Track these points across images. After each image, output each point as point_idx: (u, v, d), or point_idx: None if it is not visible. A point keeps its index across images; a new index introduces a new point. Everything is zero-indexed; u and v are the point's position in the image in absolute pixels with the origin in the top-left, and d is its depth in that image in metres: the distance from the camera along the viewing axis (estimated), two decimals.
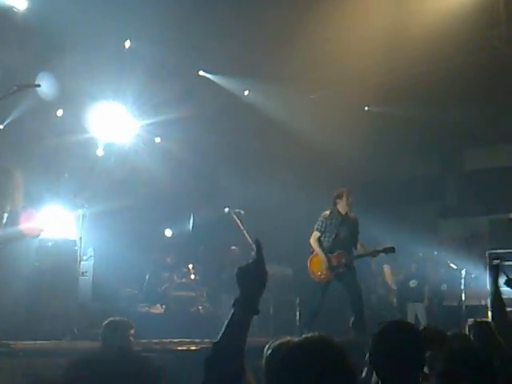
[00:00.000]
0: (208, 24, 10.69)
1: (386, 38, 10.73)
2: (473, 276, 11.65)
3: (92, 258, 9.73)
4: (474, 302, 11.17)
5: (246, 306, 2.25)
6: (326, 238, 8.43)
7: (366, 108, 13.87)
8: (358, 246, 8.59)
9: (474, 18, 10.08)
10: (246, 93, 12.99)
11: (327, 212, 8.55)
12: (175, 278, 11.14)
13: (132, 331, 5.31)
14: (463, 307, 11.23)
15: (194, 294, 10.96)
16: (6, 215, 7.37)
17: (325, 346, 2.28)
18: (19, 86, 5.76)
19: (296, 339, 2.42)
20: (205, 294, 11.15)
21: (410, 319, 11.71)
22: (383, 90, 12.43)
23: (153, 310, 10.44)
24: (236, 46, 11.29)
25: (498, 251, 12.06)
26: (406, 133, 13.86)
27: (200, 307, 10.78)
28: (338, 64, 11.75)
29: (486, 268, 12.17)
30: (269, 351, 3.12)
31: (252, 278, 2.28)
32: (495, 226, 14.17)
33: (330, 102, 13.00)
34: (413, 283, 11.90)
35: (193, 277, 11.19)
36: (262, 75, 12.34)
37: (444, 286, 12.23)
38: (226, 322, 2.25)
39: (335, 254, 8.39)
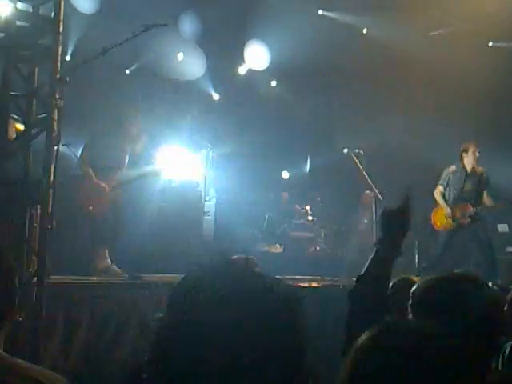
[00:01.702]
0: None
1: None
2: None
3: (214, 198, 10.03)
4: None
5: (390, 247, 2.29)
6: (450, 192, 8.45)
7: (490, 44, 13.10)
8: (485, 199, 8.42)
9: None
10: (365, 30, 12.62)
11: (452, 167, 8.54)
12: (293, 218, 11.28)
13: (257, 269, 5.45)
14: None
15: (311, 234, 11.08)
16: (127, 156, 7.77)
17: (469, 280, 2.26)
18: (146, 25, 5.88)
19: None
20: (322, 235, 11.23)
21: None
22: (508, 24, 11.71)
23: (272, 250, 10.65)
24: None
25: None
26: None
27: (318, 247, 10.89)
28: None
29: None
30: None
31: (396, 222, 2.31)
32: None
33: (452, 39, 12.42)
34: None
35: (310, 218, 11.29)
36: (382, 11, 11.94)
37: None
38: (369, 259, 2.31)
39: (459, 205, 8.34)
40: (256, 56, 12.30)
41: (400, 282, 3.71)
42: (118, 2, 9.92)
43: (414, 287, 2.40)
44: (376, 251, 2.35)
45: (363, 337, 1.35)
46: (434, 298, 2.20)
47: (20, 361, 2.06)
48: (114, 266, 7.27)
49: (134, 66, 11.28)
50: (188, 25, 11.17)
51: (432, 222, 8.66)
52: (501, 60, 12.60)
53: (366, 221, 10.56)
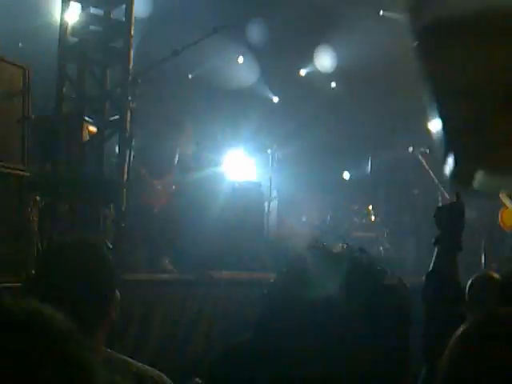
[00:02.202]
0: None
1: None
2: None
3: (276, 198, 10.09)
4: None
5: (449, 243, 2.31)
6: None
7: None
8: None
9: None
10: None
11: None
12: (355, 219, 11.24)
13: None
14: None
15: (374, 234, 11.01)
16: (177, 156, 7.93)
17: None
18: (215, 28, 5.99)
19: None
20: (385, 235, 11.14)
21: None
22: None
23: (334, 250, 10.59)
24: None
25: None
26: None
27: (381, 247, 10.81)
28: None
29: None
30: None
31: (451, 218, 2.33)
32: None
33: None
34: None
35: (373, 218, 11.22)
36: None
37: None
38: (433, 258, 2.33)
39: None
40: (323, 59, 12.42)
41: (478, 279, 3.67)
42: (180, 6, 10.08)
43: (502, 280, 2.39)
44: (437, 250, 2.36)
45: (465, 326, 1.35)
46: None
47: (122, 356, 2.15)
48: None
49: (196, 71, 11.45)
50: (255, 31, 11.28)
51: (500, 221, 8.40)
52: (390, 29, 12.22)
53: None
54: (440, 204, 2.55)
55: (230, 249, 8.55)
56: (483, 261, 10.32)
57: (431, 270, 2.34)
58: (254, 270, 7.61)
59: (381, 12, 12.15)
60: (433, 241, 2.39)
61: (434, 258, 2.36)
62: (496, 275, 3.38)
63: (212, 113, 9.99)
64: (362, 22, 11.06)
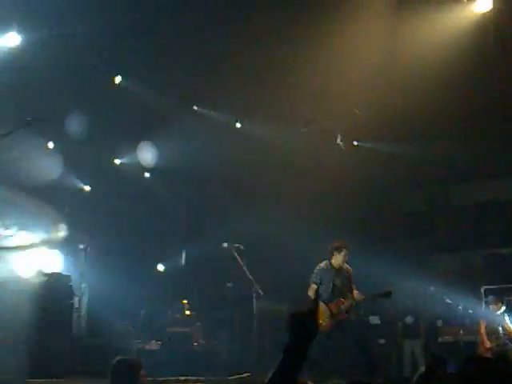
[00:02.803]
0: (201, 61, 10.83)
1: (375, 74, 10.86)
2: (470, 311, 11.61)
3: (87, 293, 9.58)
4: (471, 338, 11.09)
5: (297, 352, 2.24)
6: (324, 288, 8.43)
7: (356, 143, 13.94)
8: (355, 294, 8.59)
9: (466, 52, 10.20)
10: (238, 125, 13.00)
11: (322, 264, 8.59)
12: (170, 313, 10.97)
13: (142, 371, 5.17)
14: (461, 343, 11.16)
15: (189, 329, 10.80)
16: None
17: None
18: (29, 120, 5.69)
19: None
20: (200, 330, 10.98)
21: (407, 356, 11.66)
22: (372, 126, 12.56)
23: (148, 347, 10.24)
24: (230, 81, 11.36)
25: (493, 287, 12.13)
26: (395, 169, 13.95)
27: (195, 343, 10.60)
28: (328, 99, 11.85)
29: (481, 303, 12.19)
30: None
31: (305, 327, 2.27)
32: (489, 260, 14.23)
33: (321, 137, 13.10)
34: (409, 320, 11.82)
35: (188, 312, 11.03)
36: (255, 108, 12.38)
37: (439, 322, 12.16)
38: (275, 367, 2.24)
39: (334, 302, 8.39)
40: (144, 152, 12.52)
41: None
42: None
43: None
44: (283, 359, 2.27)
45: None
46: None
47: None
48: None
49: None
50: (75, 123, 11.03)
51: None
52: (365, 158, 13.44)
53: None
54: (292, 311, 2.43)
55: (36, 349, 7.86)
56: None
57: (269, 381, 2.23)
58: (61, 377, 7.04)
59: (194, 107, 12.52)
60: (281, 348, 2.28)
61: (276, 368, 2.25)
62: None
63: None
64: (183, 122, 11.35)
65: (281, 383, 2.22)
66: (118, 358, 5.22)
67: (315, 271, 8.53)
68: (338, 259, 8.51)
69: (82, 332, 9.33)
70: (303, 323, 2.29)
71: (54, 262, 9.59)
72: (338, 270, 8.52)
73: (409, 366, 11.36)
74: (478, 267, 14.88)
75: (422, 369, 3.41)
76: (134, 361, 5.14)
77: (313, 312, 2.32)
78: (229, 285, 11.21)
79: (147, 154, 12.51)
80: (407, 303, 12.20)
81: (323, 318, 8.32)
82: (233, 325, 10.26)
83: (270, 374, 2.25)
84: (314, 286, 8.39)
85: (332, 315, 8.31)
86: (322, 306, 8.29)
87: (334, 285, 8.46)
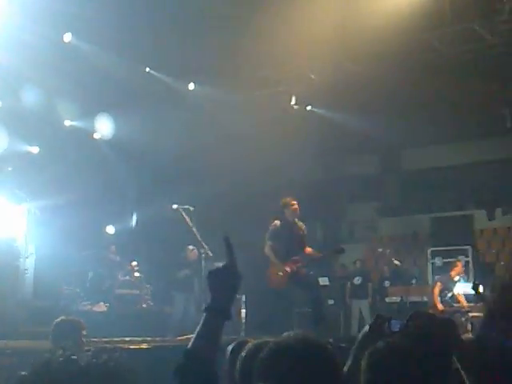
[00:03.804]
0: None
1: (332, 37, 10.83)
2: (416, 272, 11.90)
3: (34, 255, 9.43)
4: (417, 299, 11.38)
5: (219, 312, 2.18)
6: (279, 246, 8.46)
7: (309, 107, 13.91)
8: (308, 250, 8.64)
9: (419, 18, 10.23)
10: (191, 86, 12.81)
11: (277, 221, 8.59)
12: (119, 275, 10.91)
13: (84, 332, 5.12)
14: (407, 303, 11.43)
15: (138, 291, 10.76)
16: None
17: (312, 344, 2.22)
18: None
19: (275, 339, 2.34)
20: (149, 292, 10.95)
21: (354, 315, 11.94)
22: (326, 90, 12.54)
23: (96, 309, 10.16)
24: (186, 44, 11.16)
25: (440, 248, 12.44)
26: (348, 133, 14.03)
27: (144, 305, 10.59)
28: (283, 62, 11.78)
29: (427, 265, 12.51)
30: (244, 352, 3.06)
31: (224, 283, 2.20)
32: (436, 224, 14.57)
33: (273, 101, 13.05)
34: (357, 280, 12.07)
35: (137, 274, 10.98)
36: (207, 70, 12.21)
37: (387, 283, 12.44)
38: (197, 329, 2.17)
39: (289, 260, 8.42)
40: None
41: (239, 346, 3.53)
42: None
43: (261, 355, 2.28)
44: (204, 321, 2.21)
45: None
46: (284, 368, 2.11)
47: None
48: None
49: None
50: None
51: (268, 278, 8.50)
52: (318, 121, 13.48)
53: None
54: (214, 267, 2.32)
55: None
56: (244, 315, 10.63)
57: (192, 347, 2.17)
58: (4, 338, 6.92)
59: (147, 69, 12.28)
60: (203, 307, 2.23)
61: (198, 328, 2.20)
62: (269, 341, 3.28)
63: None
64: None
65: (201, 347, 2.17)
66: (59, 318, 5.19)
67: (270, 229, 8.55)
68: (289, 213, 8.53)
69: (29, 294, 9.22)
70: (222, 280, 2.23)
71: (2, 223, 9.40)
72: (293, 226, 8.55)
73: (356, 325, 11.65)
74: (425, 230, 15.27)
75: (367, 327, 3.41)
76: (75, 321, 5.10)
77: (230, 265, 2.24)
78: (191, 248, 10.93)
79: (105, 127, 12.28)
80: (355, 264, 12.48)
81: (278, 277, 8.38)
82: (182, 286, 10.21)
83: (192, 339, 2.20)
84: (270, 243, 8.43)
85: (287, 273, 8.35)
86: (278, 264, 8.36)
87: (288, 241, 8.47)
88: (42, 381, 1.15)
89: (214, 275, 2.19)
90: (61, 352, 1.22)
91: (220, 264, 2.22)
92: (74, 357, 1.23)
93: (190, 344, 2.12)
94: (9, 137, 10.82)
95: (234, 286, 2.19)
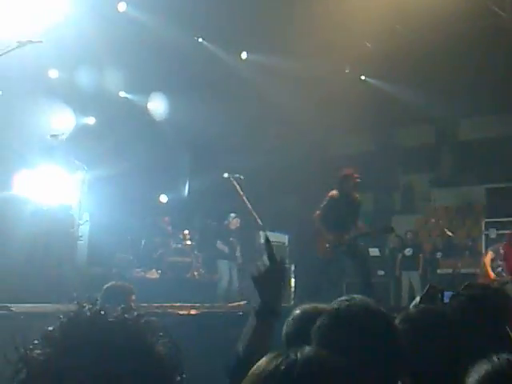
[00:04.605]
0: None
1: (387, 2, 10.59)
2: (470, 244, 11.69)
3: (88, 222, 9.64)
4: (469, 271, 11.20)
5: (270, 314, 2.16)
6: (332, 216, 8.39)
7: (363, 77, 13.70)
8: (360, 225, 8.57)
9: None
10: (244, 55, 12.73)
11: (334, 192, 8.48)
12: (171, 243, 11.09)
13: (133, 297, 5.22)
14: (459, 275, 11.25)
15: (189, 259, 10.93)
16: None
17: (374, 312, 2.16)
18: (20, 42, 5.61)
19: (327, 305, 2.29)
20: (200, 260, 11.10)
21: (405, 287, 11.84)
22: (381, 59, 12.32)
23: (148, 275, 10.38)
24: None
25: (495, 220, 12.15)
26: (402, 104, 13.77)
27: (196, 273, 10.76)
28: (338, 28, 11.59)
29: (481, 237, 12.25)
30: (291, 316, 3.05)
31: (270, 285, 2.18)
32: (492, 195, 14.21)
33: (327, 70, 12.88)
34: (408, 251, 11.93)
35: (189, 242, 11.14)
36: (261, 37, 12.12)
37: (439, 254, 12.27)
38: (246, 334, 2.15)
39: (338, 232, 8.37)
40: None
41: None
42: None
43: (321, 321, 2.22)
44: (255, 328, 2.17)
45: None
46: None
47: None
48: None
49: None
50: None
51: (316, 247, 8.51)
52: (369, 93, 13.27)
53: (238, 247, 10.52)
54: (261, 266, 2.24)
55: (37, 277, 7.98)
56: (294, 284, 10.68)
57: (242, 351, 2.14)
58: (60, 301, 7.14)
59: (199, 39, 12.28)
60: (254, 311, 2.20)
61: (249, 333, 2.16)
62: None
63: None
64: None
65: (253, 351, 2.11)
66: (109, 283, 5.31)
67: (326, 199, 8.48)
68: (347, 186, 8.44)
69: (83, 261, 9.44)
70: (267, 281, 2.21)
71: (58, 190, 9.62)
72: (348, 199, 8.46)
73: (406, 296, 11.56)
74: (480, 201, 14.93)
75: (418, 298, 3.37)
76: (124, 286, 5.20)
77: (273, 266, 2.22)
78: (232, 216, 11.04)
79: (159, 106, 12.44)
80: (407, 235, 12.32)
81: (325, 248, 8.39)
82: (225, 254, 10.30)
83: (243, 345, 2.16)
84: (321, 213, 8.40)
85: (335, 245, 8.33)
86: (326, 235, 8.35)
87: (340, 214, 8.41)
88: (67, 335, 1.18)
89: (259, 280, 2.18)
90: (89, 306, 1.26)
91: (264, 257, 2.20)
92: (102, 312, 1.26)
93: (240, 349, 2.10)
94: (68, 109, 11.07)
95: (279, 285, 2.18)
